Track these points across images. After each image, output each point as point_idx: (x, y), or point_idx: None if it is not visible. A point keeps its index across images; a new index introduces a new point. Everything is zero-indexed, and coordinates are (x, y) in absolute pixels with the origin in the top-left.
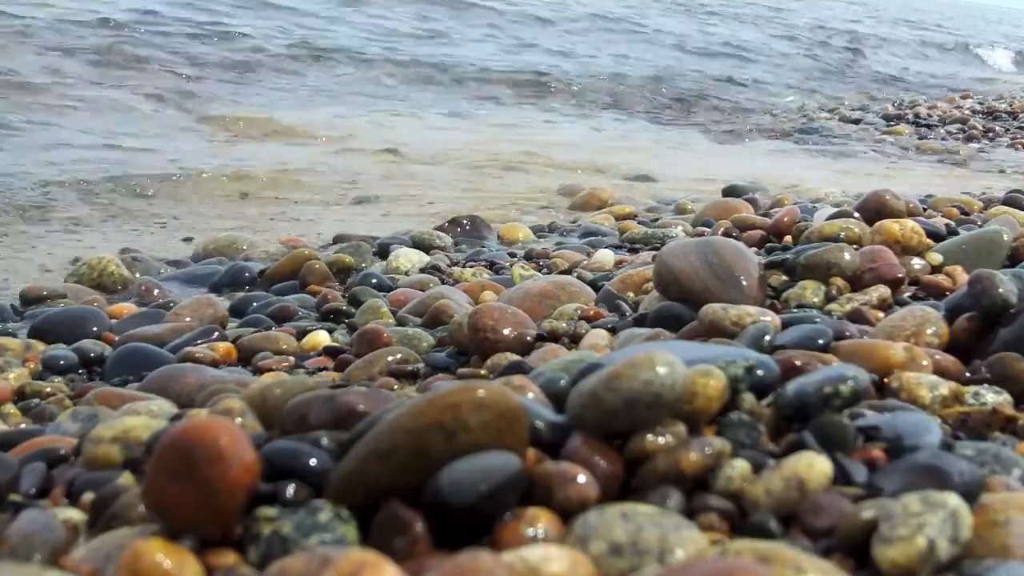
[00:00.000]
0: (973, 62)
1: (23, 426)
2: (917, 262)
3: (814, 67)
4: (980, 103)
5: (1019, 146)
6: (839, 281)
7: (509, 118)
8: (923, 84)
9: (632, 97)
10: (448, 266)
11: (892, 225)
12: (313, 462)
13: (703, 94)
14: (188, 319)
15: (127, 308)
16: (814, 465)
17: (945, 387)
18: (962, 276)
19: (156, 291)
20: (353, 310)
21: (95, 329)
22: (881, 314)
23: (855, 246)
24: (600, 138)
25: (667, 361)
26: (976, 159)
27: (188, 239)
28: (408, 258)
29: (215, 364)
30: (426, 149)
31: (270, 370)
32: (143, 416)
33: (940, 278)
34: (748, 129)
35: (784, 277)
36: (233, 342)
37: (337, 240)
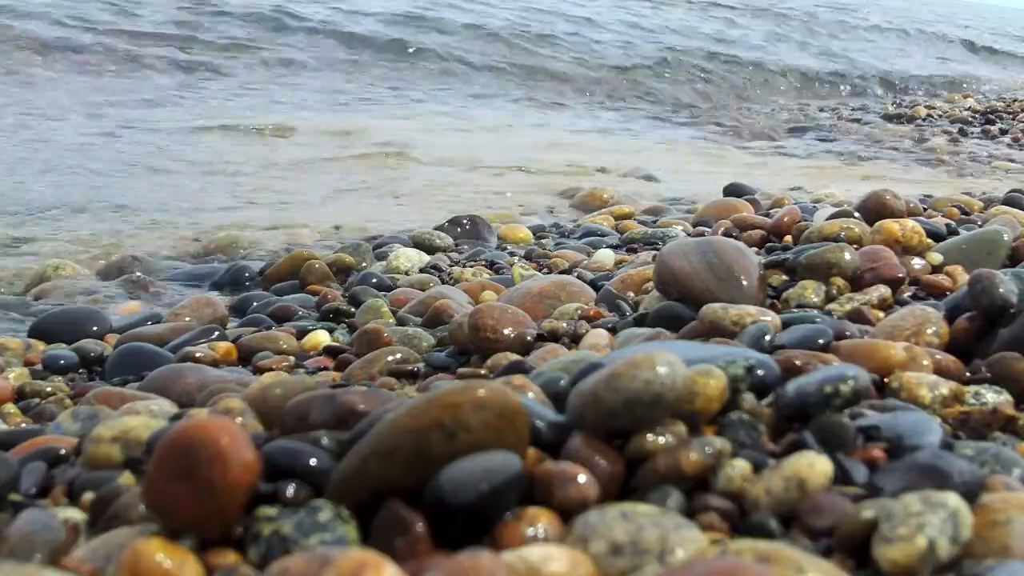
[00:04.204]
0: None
1: (23, 426)
2: (917, 262)
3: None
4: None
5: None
6: (839, 281)
7: None
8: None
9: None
10: (448, 266)
11: (892, 225)
12: (313, 462)
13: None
14: (188, 319)
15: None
16: (814, 465)
17: (945, 387)
18: (962, 276)
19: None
20: (353, 310)
21: (95, 329)
22: (881, 314)
23: (855, 246)
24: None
25: (667, 361)
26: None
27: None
28: (408, 258)
29: (215, 364)
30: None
31: (270, 370)
32: (143, 416)
33: (940, 278)
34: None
35: (784, 277)
36: (233, 342)
37: None
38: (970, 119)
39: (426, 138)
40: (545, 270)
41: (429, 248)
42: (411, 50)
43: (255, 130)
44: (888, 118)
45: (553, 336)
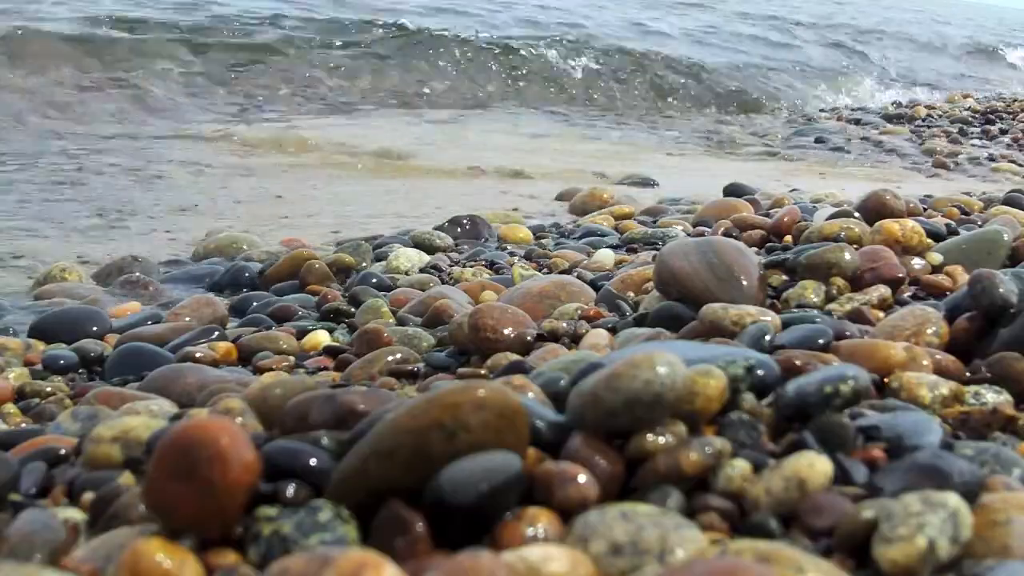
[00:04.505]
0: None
1: (23, 426)
2: (917, 262)
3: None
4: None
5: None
6: (839, 281)
7: None
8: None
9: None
10: (448, 266)
11: (892, 225)
12: (313, 462)
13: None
14: (188, 319)
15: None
16: (814, 465)
17: (945, 387)
18: (962, 276)
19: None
20: (353, 310)
21: (95, 329)
22: (881, 314)
23: (855, 246)
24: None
25: (667, 361)
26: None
27: None
28: (408, 258)
29: (215, 364)
30: None
31: (270, 370)
32: (143, 416)
33: (940, 278)
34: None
35: (784, 277)
36: (233, 342)
37: None
38: (970, 119)
39: (424, 146)
40: (545, 270)
41: (429, 248)
42: (405, 60)
43: (257, 137)
44: (888, 118)
45: (553, 336)
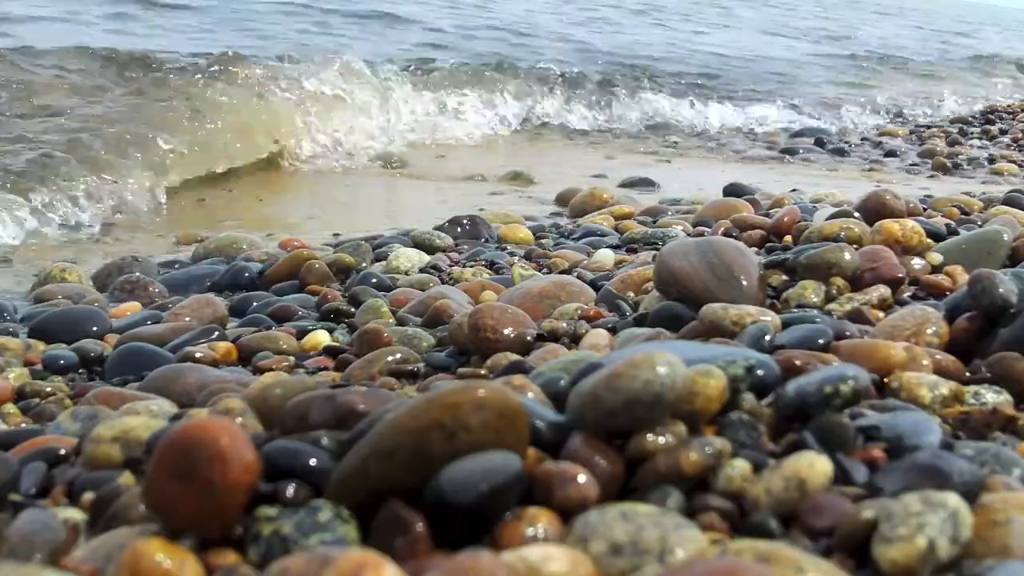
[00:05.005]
0: None
1: (23, 426)
2: (917, 262)
3: None
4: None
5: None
6: (839, 281)
7: None
8: None
9: None
10: (448, 266)
11: (892, 225)
12: (313, 462)
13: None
14: (188, 319)
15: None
16: (814, 465)
17: (945, 387)
18: (962, 276)
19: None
20: (353, 310)
21: (95, 329)
22: (881, 314)
23: (855, 246)
24: None
25: (667, 361)
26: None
27: None
28: (408, 258)
29: (215, 364)
30: None
31: (270, 370)
32: (143, 416)
33: (940, 278)
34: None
35: (784, 277)
36: (233, 342)
37: None
38: (970, 119)
39: (420, 151)
40: (545, 270)
41: (429, 248)
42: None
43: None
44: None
45: (553, 336)
